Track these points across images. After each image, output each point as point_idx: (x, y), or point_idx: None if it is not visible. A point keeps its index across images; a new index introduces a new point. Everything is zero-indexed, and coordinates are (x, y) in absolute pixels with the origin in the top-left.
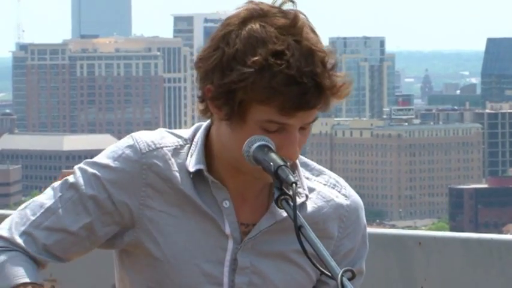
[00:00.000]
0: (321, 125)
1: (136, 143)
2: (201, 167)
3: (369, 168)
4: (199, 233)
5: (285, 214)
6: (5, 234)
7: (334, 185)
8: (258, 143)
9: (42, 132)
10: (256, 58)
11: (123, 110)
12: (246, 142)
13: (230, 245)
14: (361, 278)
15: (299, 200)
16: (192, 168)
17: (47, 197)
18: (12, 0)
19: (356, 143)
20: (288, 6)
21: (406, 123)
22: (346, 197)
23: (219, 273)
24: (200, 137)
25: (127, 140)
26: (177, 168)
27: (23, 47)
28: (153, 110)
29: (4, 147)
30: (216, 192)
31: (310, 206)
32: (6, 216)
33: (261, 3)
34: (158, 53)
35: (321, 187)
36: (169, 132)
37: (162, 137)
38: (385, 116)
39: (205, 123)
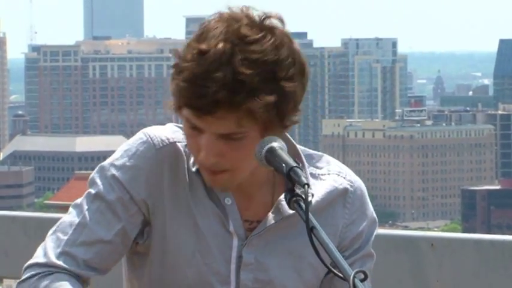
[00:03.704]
0: (333, 126)
1: (150, 139)
2: None
3: (381, 169)
4: (207, 232)
5: (291, 211)
6: (42, 260)
7: (339, 172)
8: (269, 145)
9: (55, 133)
10: (186, 53)
11: (136, 112)
12: (258, 143)
13: (235, 242)
14: (372, 260)
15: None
16: (193, 167)
17: (73, 215)
18: (24, 1)
19: (368, 144)
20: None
21: (419, 125)
22: (350, 183)
23: (227, 271)
24: None
25: (140, 136)
26: (186, 166)
27: (35, 49)
28: (166, 111)
29: (17, 149)
30: (217, 189)
31: (315, 196)
32: (20, 218)
33: (247, 14)
34: (170, 55)
35: (325, 176)
36: (178, 127)
37: (173, 131)
38: (397, 117)
39: None
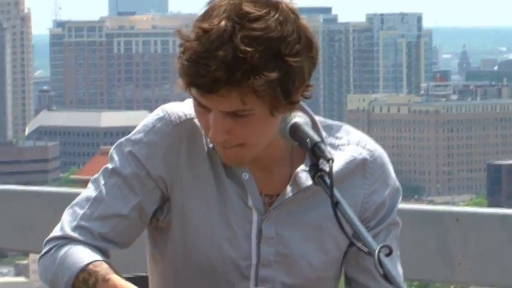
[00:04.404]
0: (358, 101)
1: (167, 115)
2: None
3: (406, 144)
4: (226, 208)
5: (309, 182)
6: (58, 233)
7: (358, 141)
8: (294, 120)
9: (80, 108)
10: (191, 31)
11: (160, 87)
12: (282, 118)
13: (254, 216)
14: (397, 228)
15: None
16: (211, 143)
17: (91, 190)
18: None
19: (393, 119)
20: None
21: (444, 99)
22: (370, 152)
23: (248, 246)
24: None
25: (157, 113)
26: (205, 142)
27: (60, 24)
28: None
29: (42, 124)
30: (233, 165)
31: (334, 166)
32: (45, 193)
33: None
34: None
35: (344, 147)
36: None
37: (191, 107)
38: (422, 92)
39: None
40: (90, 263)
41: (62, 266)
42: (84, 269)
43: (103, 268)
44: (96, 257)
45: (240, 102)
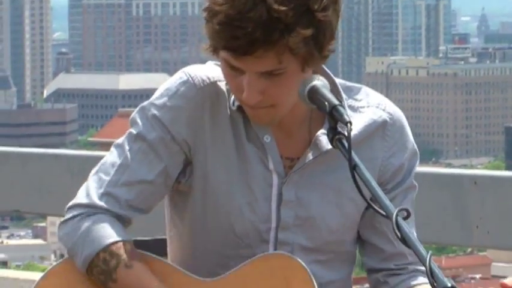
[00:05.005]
0: (377, 63)
1: (190, 79)
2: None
3: (424, 107)
4: (247, 171)
5: (329, 146)
6: (85, 201)
7: (378, 104)
8: (312, 83)
9: (98, 71)
10: None
11: (179, 49)
12: (301, 81)
13: (275, 180)
14: (414, 192)
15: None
16: (234, 106)
17: (115, 156)
18: None
19: (412, 81)
20: None
21: (463, 62)
22: (389, 115)
23: (268, 209)
24: None
25: (180, 76)
26: (228, 104)
27: None
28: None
29: (60, 86)
30: (256, 127)
31: (353, 129)
32: (63, 155)
33: None
34: None
35: (363, 109)
36: (218, 65)
37: (214, 70)
38: (441, 55)
39: None
40: (113, 243)
41: (84, 239)
42: (106, 249)
43: (126, 252)
44: (119, 235)
45: (277, 62)
